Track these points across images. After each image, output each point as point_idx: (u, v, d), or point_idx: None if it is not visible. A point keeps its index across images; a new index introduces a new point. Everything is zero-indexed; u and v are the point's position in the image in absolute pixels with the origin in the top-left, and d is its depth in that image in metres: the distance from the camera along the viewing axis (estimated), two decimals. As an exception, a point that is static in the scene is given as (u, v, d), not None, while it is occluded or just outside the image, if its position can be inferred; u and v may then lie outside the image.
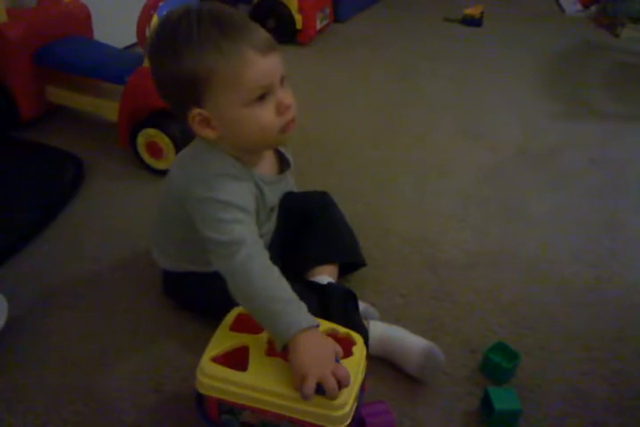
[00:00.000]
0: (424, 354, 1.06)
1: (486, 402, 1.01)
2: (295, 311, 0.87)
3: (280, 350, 0.86)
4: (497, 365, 1.07)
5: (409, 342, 1.09)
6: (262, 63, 0.91)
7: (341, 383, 0.82)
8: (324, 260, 1.20)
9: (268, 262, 0.92)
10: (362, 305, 1.14)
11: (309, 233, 1.22)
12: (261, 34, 0.94)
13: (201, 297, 1.15)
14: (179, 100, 0.97)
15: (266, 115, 0.94)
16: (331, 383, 0.81)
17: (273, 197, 1.08)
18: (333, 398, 0.82)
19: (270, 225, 1.15)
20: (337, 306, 1.09)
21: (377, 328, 1.10)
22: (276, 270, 0.91)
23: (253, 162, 1.03)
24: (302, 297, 0.90)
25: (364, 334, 1.08)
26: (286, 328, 0.85)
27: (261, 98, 0.93)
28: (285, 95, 0.95)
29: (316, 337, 0.86)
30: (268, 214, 1.11)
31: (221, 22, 0.91)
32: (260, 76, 0.91)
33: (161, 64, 0.95)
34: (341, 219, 1.27)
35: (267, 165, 1.08)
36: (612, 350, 1.17)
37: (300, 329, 0.84)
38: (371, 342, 1.08)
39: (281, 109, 0.94)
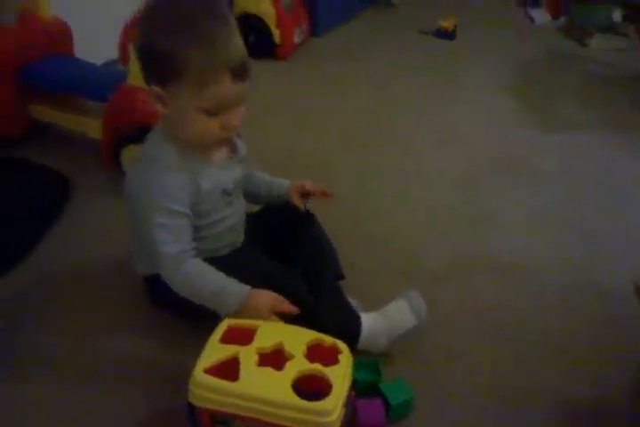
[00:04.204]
0: (408, 302, 1.14)
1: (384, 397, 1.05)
2: (233, 289, 1.03)
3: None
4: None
5: (390, 307, 1.15)
6: (230, 88, 0.98)
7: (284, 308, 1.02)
8: (312, 274, 1.20)
9: (200, 266, 1.04)
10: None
11: (296, 247, 1.23)
12: (243, 55, 0.98)
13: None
14: (148, 70, 1.02)
15: (210, 126, 1.01)
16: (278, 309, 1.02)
17: (222, 181, 1.10)
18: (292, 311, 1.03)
19: (232, 210, 1.16)
20: (327, 293, 1.14)
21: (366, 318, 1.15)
22: (207, 268, 1.04)
23: (196, 151, 1.06)
24: (297, 284, 1.09)
25: (356, 317, 1.12)
26: (232, 304, 1.02)
27: (214, 113, 0.99)
28: (236, 116, 1.01)
29: (253, 295, 1.03)
30: (224, 199, 1.12)
31: (218, 22, 0.96)
32: (222, 98, 0.98)
33: (147, 32, 0.99)
34: (323, 232, 1.29)
35: (215, 151, 1.11)
36: (588, 355, 1.20)
37: (243, 299, 1.02)
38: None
39: (226, 127, 1.02)
